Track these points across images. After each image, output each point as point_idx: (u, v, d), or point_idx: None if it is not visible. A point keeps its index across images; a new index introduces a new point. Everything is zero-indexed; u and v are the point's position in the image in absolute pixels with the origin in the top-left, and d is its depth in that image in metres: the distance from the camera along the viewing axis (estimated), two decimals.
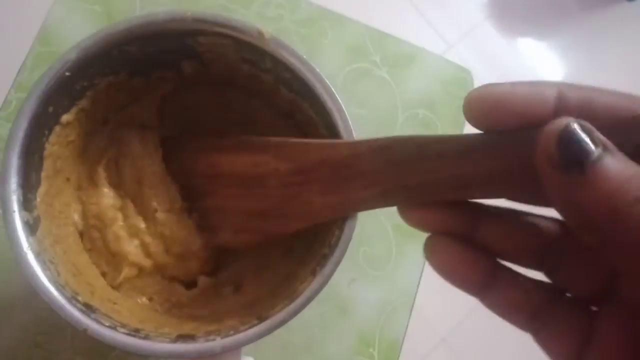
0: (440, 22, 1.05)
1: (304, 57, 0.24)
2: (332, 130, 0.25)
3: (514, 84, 0.15)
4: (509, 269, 0.18)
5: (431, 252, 0.18)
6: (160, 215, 0.28)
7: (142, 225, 0.27)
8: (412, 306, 0.40)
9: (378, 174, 0.21)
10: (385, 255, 0.41)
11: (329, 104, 0.24)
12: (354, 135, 0.24)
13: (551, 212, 0.17)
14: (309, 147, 0.24)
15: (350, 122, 0.24)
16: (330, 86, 0.24)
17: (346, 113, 0.24)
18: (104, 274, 0.27)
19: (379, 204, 0.22)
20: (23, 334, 0.36)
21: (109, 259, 0.27)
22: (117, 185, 0.28)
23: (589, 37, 1.13)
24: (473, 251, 0.18)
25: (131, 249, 0.27)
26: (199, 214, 0.29)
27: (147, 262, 0.28)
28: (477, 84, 0.44)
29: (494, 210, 0.19)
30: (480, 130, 0.17)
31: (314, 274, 0.23)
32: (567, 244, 0.17)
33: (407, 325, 0.40)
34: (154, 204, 0.27)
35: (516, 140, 0.16)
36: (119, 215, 0.28)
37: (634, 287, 0.13)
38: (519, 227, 0.18)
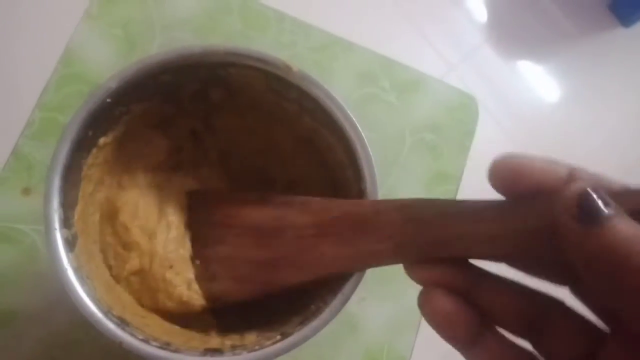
0: (441, 45, 1.08)
1: (328, 89, 0.26)
2: (350, 156, 0.27)
3: (532, 157, 0.18)
4: (496, 331, 0.20)
5: (425, 302, 0.20)
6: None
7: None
8: (419, 324, 0.42)
9: (393, 228, 0.22)
10: (393, 275, 0.42)
11: (350, 132, 0.26)
12: (373, 160, 0.26)
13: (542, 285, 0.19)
14: (332, 205, 0.25)
15: (370, 152, 0.26)
16: (352, 116, 0.26)
17: (366, 142, 0.26)
18: (110, 267, 0.28)
19: (389, 259, 0.23)
20: (42, 348, 0.37)
21: (117, 251, 0.29)
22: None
23: (586, 60, 1.16)
24: (465, 307, 0.19)
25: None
26: (201, 262, 0.29)
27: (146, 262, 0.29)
28: (481, 108, 0.47)
29: (493, 276, 0.20)
30: (502, 195, 0.19)
31: (334, 292, 0.25)
32: (554, 316, 0.19)
33: (414, 343, 0.41)
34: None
35: (532, 204, 0.18)
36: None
37: (634, 320, 0.15)
38: (513, 295, 0.20)
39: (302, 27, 0.46)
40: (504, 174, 0.18)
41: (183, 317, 0.29)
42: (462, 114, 0.46)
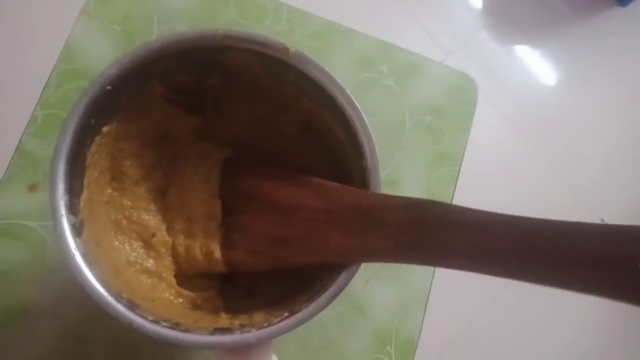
0: (438, 31, 1.08)
1: (326, 69, 0.26)
2: (350, 135, 0.27)
3: None
4: None
5: None
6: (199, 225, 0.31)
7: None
8: (426, 304, 0.42)
9: (397, 227, 0.22)
10: None
11: (349, 112, 0.26)
12: (373, 137, 0.26)
13: None
14: (344, 192, 0.26)
15: (369, 126, 0.26)
16: (350, 95, 0.26)
17: (365, 119, 0.26)
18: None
19: (387, 258, 0.23)
20: (55, 341, 0.38)
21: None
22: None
23: (583, 42, 1.15)
24: None
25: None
26: (226, 229, 0.31)
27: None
28: (480, 92, 0.47)
29: None
30: None
31: (338, 270, 0.25)
32: None
33: (422, 323, 0.41)
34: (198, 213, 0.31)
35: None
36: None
37: None
38: None
39: (298, 15, 0.46)
40: None
41: (191, 300, 0.29)
42: (461, 94, 0.47)
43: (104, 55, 0.42)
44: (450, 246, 0.20)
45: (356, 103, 0.26)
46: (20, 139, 0.41)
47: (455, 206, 0.21)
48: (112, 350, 0.38)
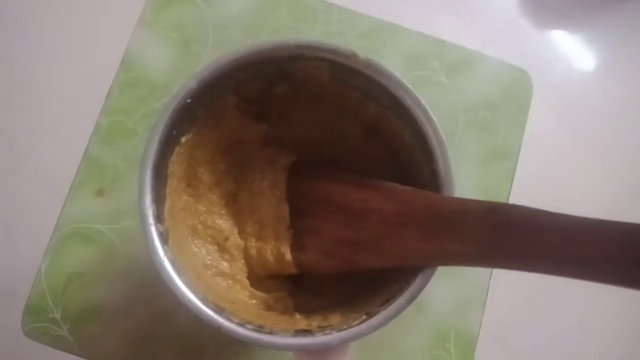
0: (475, 21, 1.06)
1: (396, 74, 0.26)
2: (420, 138, 0.27)
3: None
4: None
5: None
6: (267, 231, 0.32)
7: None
8: (485, 301, 0.42)
9: (478, 232, 0.22)
10: None
11: (419, 114, 0.27)
12: (445, 141, 0.26)
13: None
14: (417, 196, 0.25)
15: (440, 129, 0.26)
16: (420, 98, 0.26)
17: (436, 121, 0.26)
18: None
19: (469, 262, 0.23)
20: (128, 340, 0.39)
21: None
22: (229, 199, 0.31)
23: (625, 26, 1.11)
24: None
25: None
26: (295, 231, 0.31)
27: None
28: (535, 83, 0.46)
29: None
30: None
31: (414, 274, 0.25)
32: None
33: (482, 320, 0.41)
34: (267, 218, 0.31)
35: None
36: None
37: None
38: None
39: (348, 15, 0.46)
40: None
41: (264, 301, 0.30)
42: (516, 89, 0.46)
43: (163, 62, 0.44)
44: (535, 251, 0.20)
45: (426, 106, 0.27)
46: (87, 146, 0.43)
47: (539, 210, 0.20)
48: (179, 347, 0.40)
